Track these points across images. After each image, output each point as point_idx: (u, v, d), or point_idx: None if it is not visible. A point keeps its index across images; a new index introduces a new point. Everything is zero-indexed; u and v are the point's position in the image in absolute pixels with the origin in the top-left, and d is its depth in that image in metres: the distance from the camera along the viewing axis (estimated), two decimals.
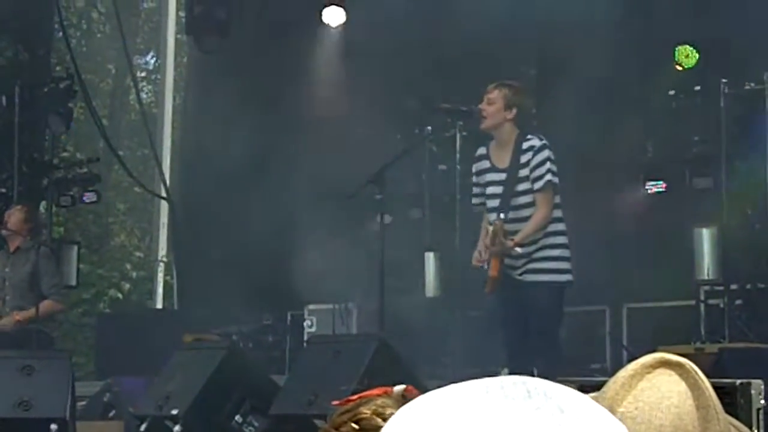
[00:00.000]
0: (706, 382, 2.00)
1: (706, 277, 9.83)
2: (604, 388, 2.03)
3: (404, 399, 1.43)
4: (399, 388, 1.46)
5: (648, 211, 10.70)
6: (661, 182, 10.52)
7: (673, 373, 2.01)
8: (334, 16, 12.85)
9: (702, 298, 9.97)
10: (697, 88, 10.30)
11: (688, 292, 10.02)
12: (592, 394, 2.15)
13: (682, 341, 9.22)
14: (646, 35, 10.82)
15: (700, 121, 10.36)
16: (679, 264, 9.99)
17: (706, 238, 9.81)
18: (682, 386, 1.99)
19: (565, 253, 7.59)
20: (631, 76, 10.89)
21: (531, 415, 1.25)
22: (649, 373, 2.01)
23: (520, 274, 7.53)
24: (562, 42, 10.60)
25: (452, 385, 1.30)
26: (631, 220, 10.88)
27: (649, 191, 10.60)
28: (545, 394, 1.27)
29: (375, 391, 1.50)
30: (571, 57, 10.73)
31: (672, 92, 10.42)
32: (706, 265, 9.75)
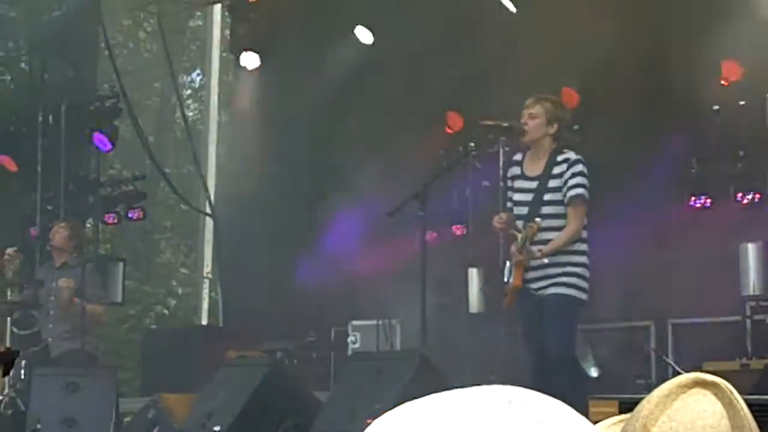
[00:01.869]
0: (742, 402, 1.98)
1: (752, 293, 9.76)
2: (638, 407, 2.02)
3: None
4: None
5: (693, 227, 10.62)
6: (706, 197, 10.44)
7: (708, 392, 1.99)
8: (364, 35, 12.97)
9: (748, 313, 9.88)
10: (742, 102, 10.24)
11: (734, 307, 9.94)
12: (624, 416, 2.14)
13: (727, 357, 9.15)
14: (690, 51, 10.76)
15: (745, 136, 10.29)
16: (724, 279, 9.91)
17: (752, 253, 9.74)
18: (718, 406, 1.97)
19: (585, 272, 7.57)
20: (676, 92, 10.83)
21: (510, 424, 1.25)
22: (683, 392, 2.00)
23: (539, 289, 7.51)
24: (605, 58, 10.56)
25: (437, 394, 1.31)
26: (676, 235, 10.80)
27: (694, 206, 10.52)
28: (525, 405, 1.28)
29: None
30: (615, 72, 10.69)
31: (716, 107, 10.36)
32: (752, 280, 9.68)
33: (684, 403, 1.99)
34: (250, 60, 13.93)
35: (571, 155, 7.63)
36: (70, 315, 10.05)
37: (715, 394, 2.00)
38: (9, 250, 10.37)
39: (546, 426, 1.26)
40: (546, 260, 7.42)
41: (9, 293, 9.94)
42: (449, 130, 12.08)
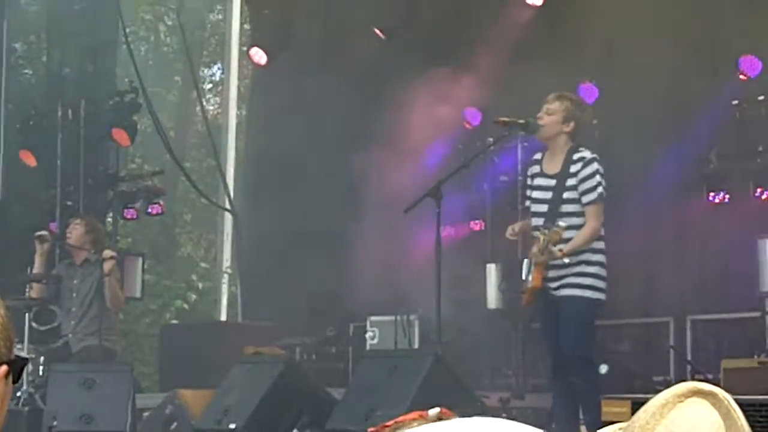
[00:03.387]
0: (739, 412, 1.97)
1: None
2: (635, 417, 2.00)
3: (440, 422, 1.44)
4: (434, 411, 1.47)
5: (711, 222, 10.59)
6: (724, 193, 10.41)
7: (705, 402, 1.98)
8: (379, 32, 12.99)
9: (767, 309, 9.84)
10: (761, 97, 10.21)
11: (753, 303, 9.90)
12: (621, 424, 2.13)
13: (746, 354, 9.11)
14: (709, 45, 10.72)
15: (764, 131, 10.25)
16: (743, 275, 9.88)
17: None
18: (715, 416, 1.96)
19: (602, 271, 7.52)
20: (695, 86, 10.80)
21: None
22: (681, 401, 1.98)
23: (555, 289, 7.49)
24: (625, 51, 10.53)
25: (430, 425, 1.31)
26: (694, 231, 10.77)
27: (712, 202, 10.49)
28: None
29: (410, 416, 1.51)
30: (633, 67, 10.66)
31: (735, 102, 10.32)
32: None
33: (681, 413, 1.97)
34: (258, 55, 13.96)
35: (587, 154, 7.58)
36: (91, 315, 10.08)
37: (713, 404, 1.98)
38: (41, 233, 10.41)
39: None
40: (567, 260, 7.39)
41: (28, 289, 9.97)
42: (468, 126, 12.08)
